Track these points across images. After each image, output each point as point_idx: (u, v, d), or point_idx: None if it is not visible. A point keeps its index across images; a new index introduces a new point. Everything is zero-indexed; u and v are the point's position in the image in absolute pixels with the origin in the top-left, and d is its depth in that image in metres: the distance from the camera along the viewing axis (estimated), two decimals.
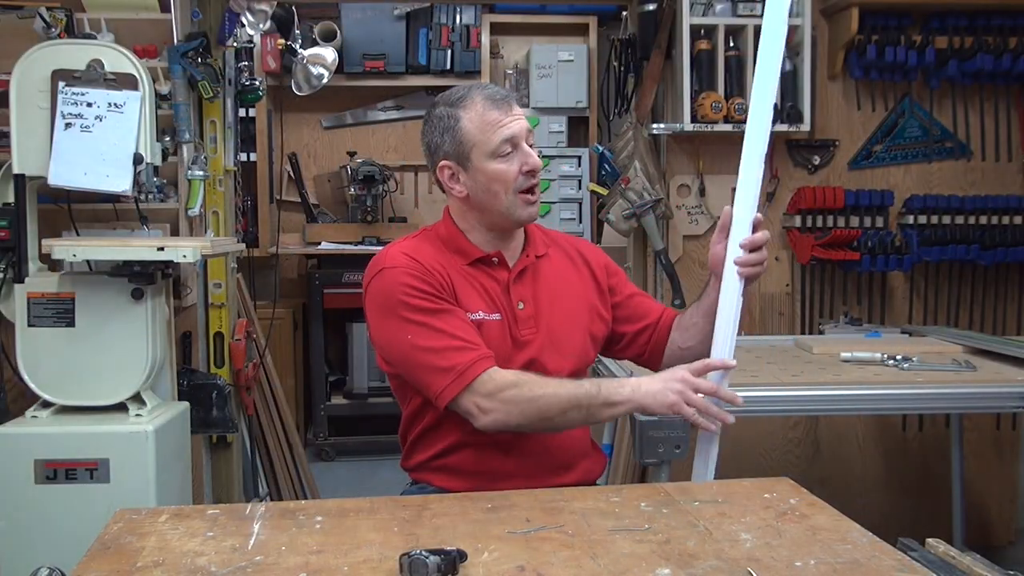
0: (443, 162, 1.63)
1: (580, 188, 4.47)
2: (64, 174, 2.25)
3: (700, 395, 1.52)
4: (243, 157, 3.68)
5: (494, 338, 1.59)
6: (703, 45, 2.96)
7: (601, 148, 3.16)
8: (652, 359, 1.79)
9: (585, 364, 1.72)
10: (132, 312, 2.30)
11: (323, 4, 4.49)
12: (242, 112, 3.25)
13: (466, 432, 1.58)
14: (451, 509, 1.35)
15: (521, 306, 1.64)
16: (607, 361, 2.40)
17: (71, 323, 2.29)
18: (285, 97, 4.46)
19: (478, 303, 1.62)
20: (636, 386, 1.53)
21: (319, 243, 4.52)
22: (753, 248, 1.58)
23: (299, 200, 4.75)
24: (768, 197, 3.11)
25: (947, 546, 1.22)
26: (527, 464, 1.61)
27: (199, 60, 2.62)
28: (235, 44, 2.92)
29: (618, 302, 1.78)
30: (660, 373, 1.57)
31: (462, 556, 1.11)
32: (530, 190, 1.60)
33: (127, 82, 2.29)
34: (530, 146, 1.61)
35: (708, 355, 1.63)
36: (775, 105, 2.90)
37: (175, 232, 2.69)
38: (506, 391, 1.51)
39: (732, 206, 1.60)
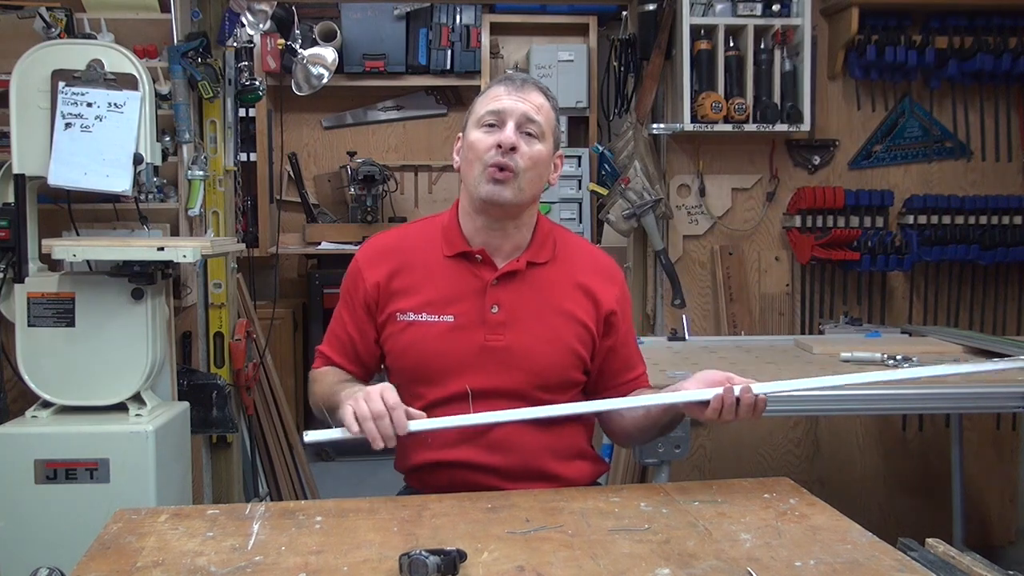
0: (459, 133, 1.66)
1: (580, 188, 4.47)
2: (64, 174, 2.25)
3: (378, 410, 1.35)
4: (243, 157, 3.68)
5: (430, 339, 1.56)
6: (703, 45, 2.96)
7: (601, 148, 3.16)
8: (599, 416, 1.68)
9: (562, 383, 1.59)
10: (132, 312, 2.30)
11: (323, 4, 4.49)
12: (242, 112, 3.25)
13: (436, 450, 1.56)
14: (451, 509, 1.35)
15: (495, 309, 1.57)
16: None
17: (71, 323, 2.29)
18: (285, 97, 4.46)
19: (415, 303, 1.58)
20: (355, 394, 1.40)
21: (319, 243, 4.52)
22: (728, 409, 1.40)
23: (299, 200, 4.76)
24: (768, 197, 3.11)
25: (947, 546, 1.22)
26: (509, 480, 1.55)
27: (199, 60, 2.62)
28: (235, 44, 2.92)
29: (610, 324, 1.64)
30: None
31: (462, 556, 1.11)
32: (498, 167, 1.53)
33: (127, 82, 2.29)
34: (528, 135, 1.54)
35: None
36: (776, 104, 2.94)
37: (175, 232, 2.69)
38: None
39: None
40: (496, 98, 1.57)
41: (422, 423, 1.38)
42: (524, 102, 1.55)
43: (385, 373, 1.67)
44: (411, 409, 1.38)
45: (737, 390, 1.40)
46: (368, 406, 1.34)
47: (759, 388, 1.41)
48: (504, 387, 1.55)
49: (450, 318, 1.56)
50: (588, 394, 1.66)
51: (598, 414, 1.65)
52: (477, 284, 1.58)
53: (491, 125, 1.55)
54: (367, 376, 1.67)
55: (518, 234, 1.62)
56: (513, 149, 1.52)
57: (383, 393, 1.36)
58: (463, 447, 1.55)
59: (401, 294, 1.60)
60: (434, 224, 1.67)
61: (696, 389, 1.44)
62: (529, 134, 1.55)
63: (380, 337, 1.62)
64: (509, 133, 1.53)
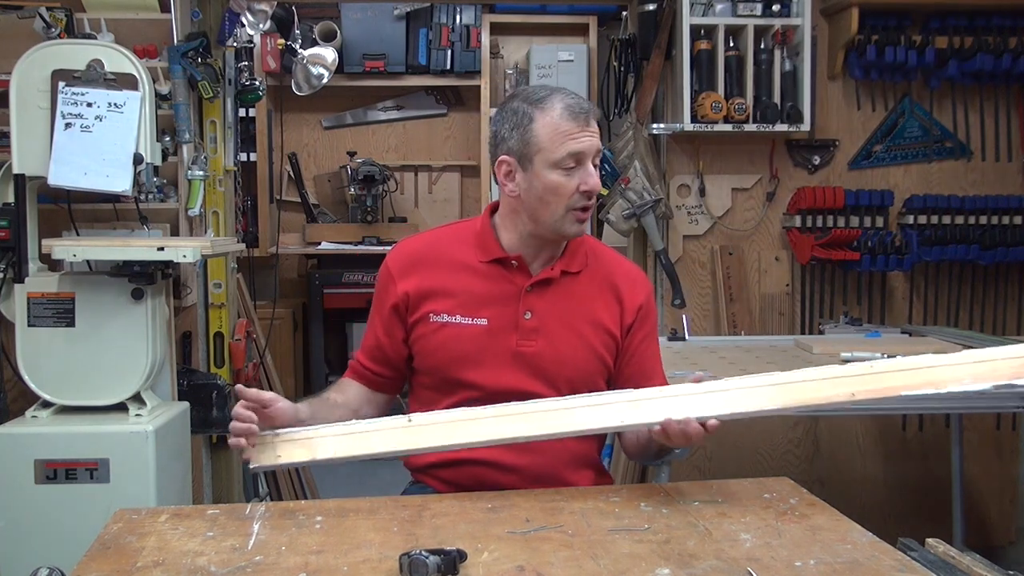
0: (503, 157, 1.58)
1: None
2: (64, 174, 2.25)
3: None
4: (243, 157, 3.68)
5: (464, 340, 1.57)
6: (703, 45, 2.95)
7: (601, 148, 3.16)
8: None
9: (589, 390, 1.58)
10: (132, 312, 2.30)
11: (323, 4, 4.49)
12: (242, 112, 3.25)
13: (465, 447, 1.57)
14: (451, 509, 1.35)
15: (528, 316, 1.58)
16: None
17: (71, 323, 2.29)
18: (285, 97, 4.46)
19: (449, 305, 1.59)
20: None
21: (319, 243, 4.52)
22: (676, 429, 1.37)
23: (299, 200, 4.76)
24: (768, 197, 3.11)
25: (947, 546, 1.22)
26: (528, 482, 1.56)
27: (199, 60, 2.62)
28: (235, 44, 2.92)
29: (632, 332, 1.65)
30: None
31: (462, 556, 1.12)
32: (584, 208, 1.55)
33: (127, 82, 2.29)
34: (594, 166, 1.55)
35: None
36: (776, 104, 2.94)
37: (175, 232, 2.69)
38: None
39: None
40: (572, 137, 1.52)
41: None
42: (594, 136, 1.54)
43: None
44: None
45: (675, 420, 1.37)
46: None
47: (709, 411, 1.38)
48: (535, 392, 1.56)
49: (484, 321, 1.58)
50: None
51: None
52: (511, 290, 1.60)
53: (570, 167, 1.53)
54: (398, 378, 1.69)
55: (554, 244, 1.63)
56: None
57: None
58: (493, 447, 1.55)
59: (434, 296, 1.61)
60: (467, 229, 1.68)
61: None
62: (594, 164, 1.56)
63: (411, 338, 1.63)
64: (596, 179, 1.54)
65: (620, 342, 1.64)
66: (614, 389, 1.65)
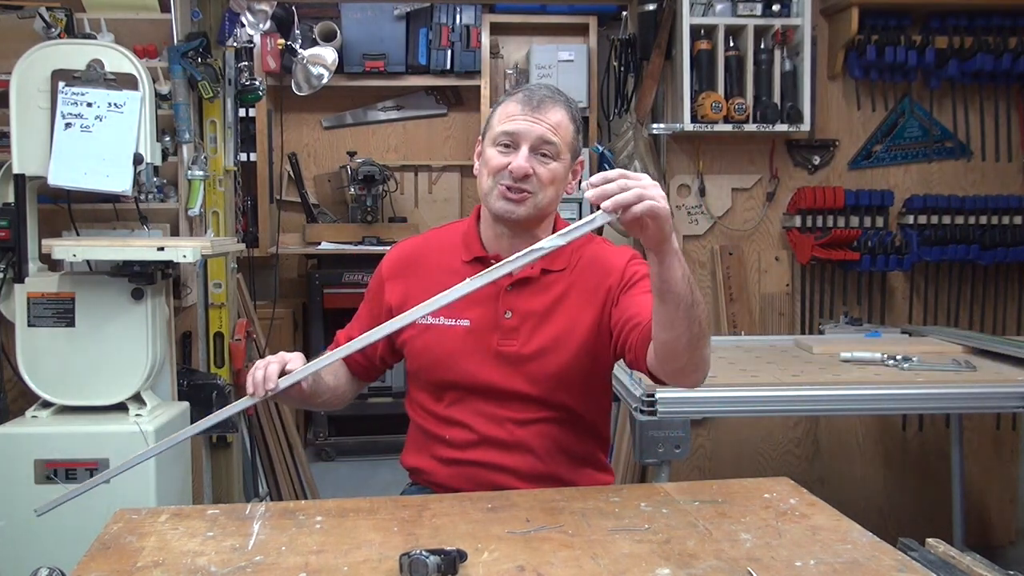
0: (479, 139, 1.66)
1: (580, 188, 4.47)
2: (64, 174, 2.25)
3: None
4: (243, 157, 3.68)
5: (447, 342, 1.57)
6: (703, 45, 2.96)
7: (601, 148, 3.16)
8: (638, 360, 1.51)
9: (576, 384, 1.59)
10: (132, 312, 2.30)
11: (323, 4, 4.49)
12: (242, 112, 3.25)
13: (457, 448, 1.58)
14: (451, 509, 1.35)
15: (508, 315, 1.58)
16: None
17: (71, 323, 2.29)
18: (285, 97, 4.46)
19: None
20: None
21: (319, 243, 4.52)
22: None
23: (299, 200, 4.75)
24: (768, 197, 3.11)
25: (947, 546, 1.22)
26: (528, 482, 1.55)
27: (199, 60, 2.62)
28: (235, 44, 2.92)
29: (617, 300, 1.58)
30: None
31: (462, 556, 1.12)
32: (509, 188, 1.53)
33: (127, 82, 2.29)
34: (543, 155, 1.53)
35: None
36: (776, 104, 2.94)
37: (175, 232, 2.69)
38: None
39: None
40: (511, 118, 1.54)
41: (297, 373, 1.41)
42: (540, 123, 1.53)
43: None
44: (291, 363, 1.42)
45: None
46: (259, 362, 1.42)
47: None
48: (520, 390, 1.56)
49: (466, 322, 1.58)
50: (627, 361, 1.57)
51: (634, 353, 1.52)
52: (492, 289, 1.58)
53: (506, 145, 1.54)
54: (372, 369, 1.73)
55: (535, 241, 1.61)
56: (526, 176, 1.52)
57: (281, 355, 1.43)
58: (484, 447, 1.56)
59: (420, 300, 1.59)
60: (456, 229, 1.70)
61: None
62: (544, 154, 1.54)
63: (399, 340, 1.64)
64: (521, 161, 1.52)
65: (610, 323, 1.58)
66: (618, 341, 1.57)
